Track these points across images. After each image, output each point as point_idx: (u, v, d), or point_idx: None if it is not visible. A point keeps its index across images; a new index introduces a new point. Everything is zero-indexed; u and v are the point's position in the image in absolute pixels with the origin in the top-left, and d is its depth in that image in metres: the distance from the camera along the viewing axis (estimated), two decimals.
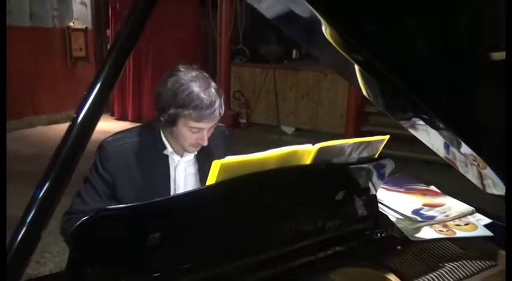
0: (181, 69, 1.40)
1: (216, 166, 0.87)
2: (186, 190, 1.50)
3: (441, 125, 1.02)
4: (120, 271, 0.89)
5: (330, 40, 0.76)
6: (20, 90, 6.12)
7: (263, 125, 6.93)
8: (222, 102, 1.41)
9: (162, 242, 0.90)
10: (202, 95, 1.35)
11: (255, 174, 0.93)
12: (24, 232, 0.71)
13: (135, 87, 7.19)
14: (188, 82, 1.36)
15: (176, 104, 1.35)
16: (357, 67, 0.94)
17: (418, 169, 4.76)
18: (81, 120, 0.76)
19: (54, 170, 0.75)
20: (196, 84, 1.36)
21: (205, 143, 1.43)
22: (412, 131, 1.26)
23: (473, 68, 0.96)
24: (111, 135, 1.46)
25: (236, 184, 0.90)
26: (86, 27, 7.16)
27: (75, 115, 0.77)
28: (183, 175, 1.51)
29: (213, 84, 1.41)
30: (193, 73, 1.40)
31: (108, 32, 7.37)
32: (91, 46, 7.32)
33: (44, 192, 0.74)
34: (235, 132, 6.76)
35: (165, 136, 1.48)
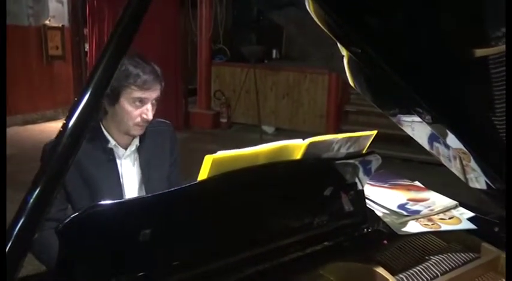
0: None
1: (208, 160, 0.86)
2: (132, 185, 1.53)
3: (428, 117, 1.04)
4: (110, 269, 0.88)
5: (316, 19, 0.76)
6: None
7: (244, 125, 6.93)
8: (162, 77, 1.46)
9: (152, 239, 0.88)
10: (142, 66, 1.41)
11: (247, 169, 0.92)
12: (15, 237, 0.69)
13: None
14: (127, 60, 1.40)
15: (118, 76, 1.36)
16: (345, 59, 0.95)
17: (396, 166, 4.85)
18: (73, 123, 0.74)
19: (45, 175, 0.73)
20: (135, 61, 1.42)
21: (150, 117, 1.45)
22: (398, 125, 1.28)
23: (461, 62, 0.98)
24: (52, 139, 1.45)
25: (228, 179, 0.90)
26: (63, 26, 7.03)
27: (64, 122, 0.75)
28: (129, 169, 1.53)
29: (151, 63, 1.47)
30: (130, 54, 1.43)
31: (86, 30, 7.24)
32: (68, 45, 7.18)
33: (35, 197, 0.72)
34: (216, 132, 6.74)
35: (106, 128, 1.49)
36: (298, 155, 1.02)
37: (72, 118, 0.73)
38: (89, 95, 0.75)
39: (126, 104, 1.42)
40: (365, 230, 1.29)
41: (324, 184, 1.17)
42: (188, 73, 7.21)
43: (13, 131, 6.39)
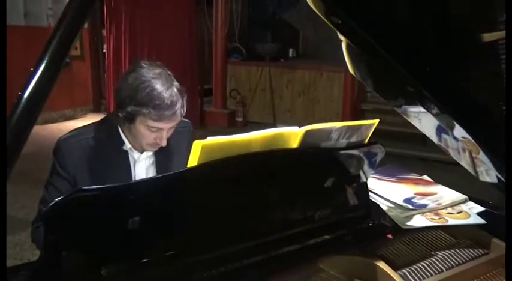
0: (144, 65, 1.35)
1: (197, 146, 0.84)
2: None
3: (432, 107, 0.99)
4: (99, 257, 0.86)
5: (311, 5, 0.73)
6: (14, 89, 6.08)
7: (259, 124, 6.90)
8: (184, 102, 1.36)
9: (142, 227, 0.87)
10: (163, 94, 1.30)
11: (240, 156, 0.90)
12: None
13: None
14: (150, 80, 1.31)
15: (136, 101, 1.30)
16: (343, 45, 0.91)
17: (413, 165, 4.75)
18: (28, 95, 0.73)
19: None
20: (159, 82, 1.31)
21: (164, 144, 1.38)
22: (404, 117, 1.24)
23: (466, 48, 0.93)
24: (66, 133, 1.42)
25: (219, 166, 0.87)
26: None
27: (19, 93, 0.74)
28: (144, 172, 1.46)
29: (175, 83, 1.36)
30: (157, 70, 1.34)
31: (104, 31, 7.33)
32: (86, 45, 7.29)
33: None
34: (231, 131, 6.72)
35: (122, 132, 1.43)
36: (294, 144, 0.99)
37: (27, 90, 0.72)
38: (44, 67, 0.74)
39: (141, 128, 1.35)
40: (368, 224, 1.24)
41: (324, 174, 1.14)
42: (204, 73, 7.22)
43: (33, 130, 6.48)
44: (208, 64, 7.38)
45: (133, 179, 1.45)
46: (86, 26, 7.23)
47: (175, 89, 1.34)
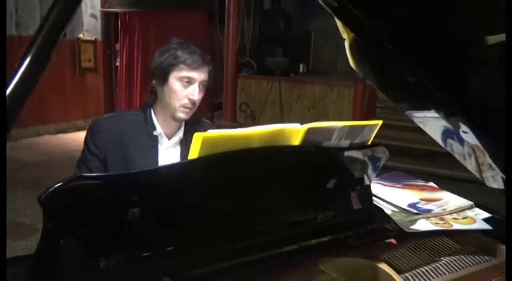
0: (171, 40, 1.52)
1: (198, 138, 0.85)
2: None
3: (439, 109, 0.98)
4: (98, 248, 0.86)
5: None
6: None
7: None
8: (209, 62, 1.51)
9: (142, 220, 0.87)
10: (190, 48, 1.48)
11: (241, 151, 0.90)
12: None
13: (142, 100, 7.24)
14: (176, 44, 1.49)
15: (168, 58, 1.45)
16: (347, 43, 0.92)
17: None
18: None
19: None
20: (182, 46, 1.48)
21: (196, 97, 1.48)
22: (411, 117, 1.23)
23: (478, 50, 0.92)
24: (102, 115, 1.55)
25: (219, 160, 0.87)
26: (95, 39, 7.27)
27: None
28: (168, 160, 1.53)
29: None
30: (181, 40, 1.51)
31: (117, 45, 7.46)
32: (100, 57, 7.42)
33: None
34: None
35: (155, 114, 1.53)
36: (295, 142, 0.99)
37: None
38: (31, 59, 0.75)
39: (174, 82, 1.46)
40: (371, 227, 1.23)
41: (326, 175, 1.13)
42: (214, 87, 7.27)
43: (45, 140, 6.60)
44: (219, 78, 7.43)
45: (157, 165, 1.52)
46: (100, 39, 7.36)
47: (200, 49, 1.50)
